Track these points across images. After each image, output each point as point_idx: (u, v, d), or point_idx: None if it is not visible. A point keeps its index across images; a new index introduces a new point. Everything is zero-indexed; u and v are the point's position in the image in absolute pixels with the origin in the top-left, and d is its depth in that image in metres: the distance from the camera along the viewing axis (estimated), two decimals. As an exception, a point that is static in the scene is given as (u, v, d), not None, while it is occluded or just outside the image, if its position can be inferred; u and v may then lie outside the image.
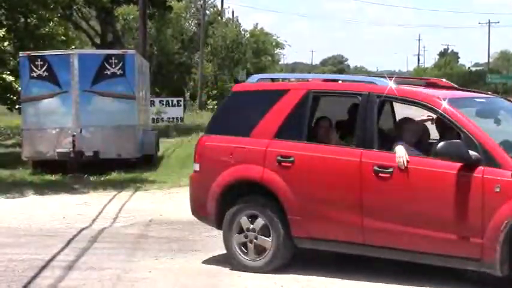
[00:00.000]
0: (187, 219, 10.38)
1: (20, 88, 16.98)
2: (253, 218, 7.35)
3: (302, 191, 7.10)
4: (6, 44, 18.24)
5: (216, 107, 45.99)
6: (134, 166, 16.11)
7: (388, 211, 6.72)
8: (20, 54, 16.35)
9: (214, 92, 49.89)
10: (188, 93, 46.76)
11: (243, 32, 63.25)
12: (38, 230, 9.86)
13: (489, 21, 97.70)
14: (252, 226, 7.33)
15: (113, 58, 16.05)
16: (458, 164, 6.40)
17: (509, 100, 8.11)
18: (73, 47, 22.42)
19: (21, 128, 16.68)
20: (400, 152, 6.68)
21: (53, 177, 14.98)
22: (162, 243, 8.89)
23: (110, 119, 15.81)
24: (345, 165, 6.94)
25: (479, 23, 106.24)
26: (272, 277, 7.16)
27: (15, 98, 18.83)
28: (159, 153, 19.10)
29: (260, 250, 7.31)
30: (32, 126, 15.89)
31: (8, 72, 18.57)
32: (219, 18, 59.61)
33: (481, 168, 6.34)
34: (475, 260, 6.35)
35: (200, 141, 7.97)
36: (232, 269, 7.43)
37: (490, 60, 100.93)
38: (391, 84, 7.05)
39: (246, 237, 7.38)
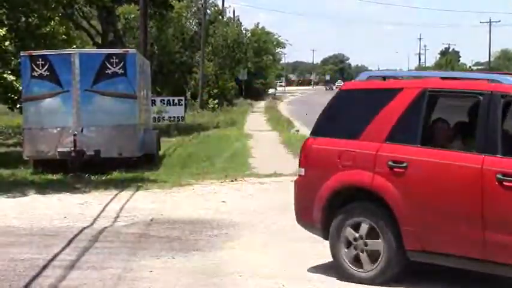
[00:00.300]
0: (188, 219, 10.41)
1: (21, 87, 16.98)
2: (357, 226, 6.86)
3: (416, 199, 6.54)
4: (7, 43, 18.26)
5: (216, 106, 46.25)
6: (135, 165, 16.11)
7: None
8: (21, 54, 16.35)
9: (215, 91, 49.91)
10: (189, 93, 46.76)
11: (244, 31, 63.32)
12: (39, 230, 9.85)
13: (490, 20, 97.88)
14: (357, 234, 6.84)
15: (114, 57, 16.05)
16: None
17: None
18: (74, 46, 22.42)
19: (22, 128, 16.68)
20: None
21: (54, 177, 14.98)
22: (163, 242, 8.88)
23: (111, 118, 15.81)
24: (464, 173, 6.33)
25: (480, 22, 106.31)
26: (273, 276, 7.16)
27: (16, 97, 18.84)
28: (160, 153, 19.11)
29: (373, 257, 6.76)
30: (33, 126, 15.88)
31: (9, 72, 18.58)
32: (220, 17, 59.66)
33: None
34: None
35: (306, 143, 7.44)
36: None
37: (491, 59, 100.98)
38: None
39: (355, 248, 6.88)
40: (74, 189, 13.42)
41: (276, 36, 76.72)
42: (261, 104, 66.31)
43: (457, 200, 6.35)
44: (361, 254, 6.84)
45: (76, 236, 9.27)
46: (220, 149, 20.89)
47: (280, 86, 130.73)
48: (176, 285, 7.01)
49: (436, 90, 6.86)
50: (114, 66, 15.93)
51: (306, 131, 29.53)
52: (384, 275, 6.72)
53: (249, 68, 62.20)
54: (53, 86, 15.78)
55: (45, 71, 15.74)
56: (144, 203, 11.88)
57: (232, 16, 65.29)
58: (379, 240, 6.73)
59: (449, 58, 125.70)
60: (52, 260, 7.97)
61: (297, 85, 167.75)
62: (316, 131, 7.43)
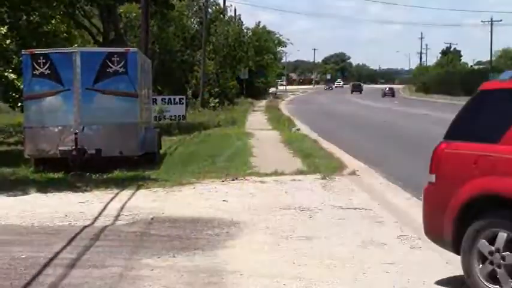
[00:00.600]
0: (189, 218, 10.40)
1: (22, 86, 16.99)
2: (493, 239, 6.19)
3: None
4: (8, 41, 18.26)
5: (217, 105, 46.25)
6: (136, 164, 16.11)
7: None
8: (23, 52, 16.35)
9: (216, 90, 49.93)
10: (190, 91, 46.78)
11: (245, 30, 63.30)
12: (40, 228, 9.86)
13: (492, 19, 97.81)
14: (493, 248, 6.17)
15: (115, 56, 16.05)
16: None
17: None
18: (75, 45, 22.45)
19: (24, 126, 16.68)
20: None
21: (55, 175, 14.98)
22: (164, 241, 8.88)
23: (112, 117, 15.82)
24: None
25: (481, 22, 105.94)
26: (274, 276, 7.16)
27: (17, 95, 18.83)
28: (161, 151, 19.11)
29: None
30: (34, 124, 15.89)
31: (11, 70, 18.58)
32: (221, 16, 59.67)
33: None
34: None
35: (438, 148, 6.85)
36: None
37: (493, 58, 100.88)
38: None
39: (491, 263, 6.19)
40: (75, 188, 13.42)
41: (277, 35, 76.82)
42: (262, 103, 66.34)
43: None
44: (498, 269, 6.15)
45: (77, 234, 9.27)
46: (221, 148, 20.89)
47: (281, 85, 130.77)
48: (177, 283, 7.01)
49: None
50: (116, 64, 15.93)
51: (306, 130, 29.54)
52: None
53: (250, 67, 62.21)
54: (54, 85, 15.78)
55: (46, 69, 15.74)
56: (145, 201, 11.88)
57: (233, 15, 65.32)
58: None
59: (450, 57, 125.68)
60: (53, 258, 7.97)
61: (298, 84, 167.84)
62: (450, 135, 6.86)
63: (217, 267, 7.58)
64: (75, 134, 15.50)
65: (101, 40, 37.08)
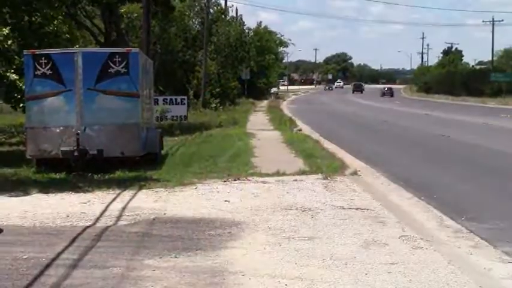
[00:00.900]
0: (191, 218, 10.41)
1: (24, 86, 16.99)
2: None
3: None
4: (10, 42, 18.25)
5: (219, 105, 46.27)
6: (138, 164, 16.12)
7: None
8: (24, 53, 16.35)
9: (218, 90, 49.92)
10: (192, 92, 46.79)
11: (246, 31, 63.33)
12: (42, 229, 9.86)
13: (493, 19, 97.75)
14: None
15: (117, 56, 16.05)
16: None
17: None
18: (77, 45, 22.44)
19: (25, 126, 16.68)
20: None
21: (57, 176, 14.98)
22: (166, 241, 8.88)
23: (113, 117, 15.83)
24: None
25: (483, 21, 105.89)
26: (276, 276, 7.16)
27: (19, 96, 18.83)
28: (163, 152, 19.11)
29: None
30: (36, 125, 15.89)
31: (12, 71, 18.59)
32: (223, 16, 59.67)
33: None
34: None
35: None
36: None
37: (494, 58, 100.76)
38: None
39: None
40: (76, 189, 13.42)
41: (278, 36, 76.86)
42: (264, 103, 66.31)
43: None
44: None
45: (79, 235, 9.27)
46: (223, 148, 20.89)
47: (283, 85, 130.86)
48: (179, 284, 7.02)
49: None
50: (117, 65, 15.94)
51: (308, 130, 29.54)
52: None
53: (252, 67, 62.25)
54: (55, 85, 15.78)
55: (48, 70, 15.74)
56: (147, 202, 11.88)
57: (235, 15, 65.38)
58: None
59: (451, 57, 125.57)
60: (55, 259, 7.97)
61: (299, 84, 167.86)
62: None
63: (219, 267, 7.58)
64: (77, 134, 15.51)
65: (102, 40, 37.09)
